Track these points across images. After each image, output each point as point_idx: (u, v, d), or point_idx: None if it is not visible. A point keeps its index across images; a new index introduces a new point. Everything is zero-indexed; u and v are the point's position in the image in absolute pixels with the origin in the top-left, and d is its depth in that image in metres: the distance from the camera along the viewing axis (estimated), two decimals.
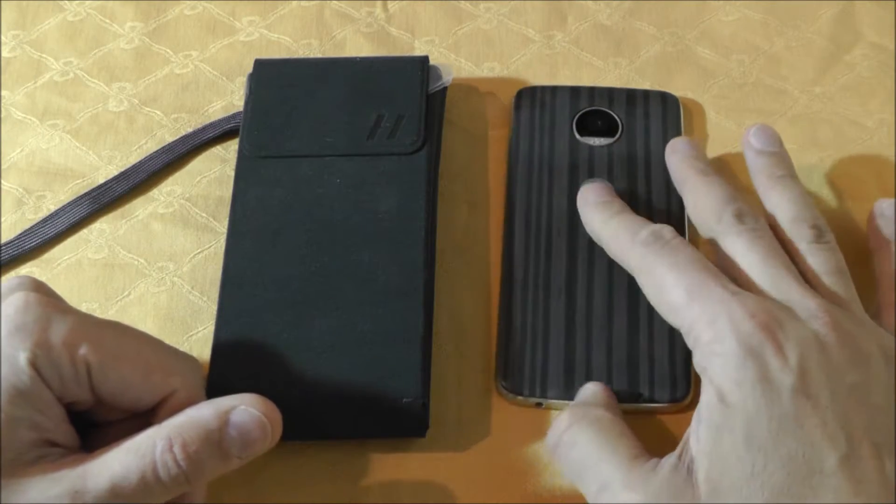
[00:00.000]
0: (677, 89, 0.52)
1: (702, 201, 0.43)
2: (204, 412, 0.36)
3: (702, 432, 0.36)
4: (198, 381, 0.39)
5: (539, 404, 0.42)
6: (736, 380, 0.36)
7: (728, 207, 0.42)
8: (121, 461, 0.35)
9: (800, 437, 0.35)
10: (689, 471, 0.36)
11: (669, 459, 0.37)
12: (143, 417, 0.38)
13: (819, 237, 0.41)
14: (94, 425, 0.38)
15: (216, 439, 0.36)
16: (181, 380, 0.38)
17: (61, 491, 0.34)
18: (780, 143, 0.45)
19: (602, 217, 0.44)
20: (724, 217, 0.41)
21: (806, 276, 0.40)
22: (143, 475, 0.34)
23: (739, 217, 0.41)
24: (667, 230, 0.41)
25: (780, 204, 0.43)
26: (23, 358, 0.35)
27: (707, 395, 0.37)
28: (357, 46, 0.55)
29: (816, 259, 0.41)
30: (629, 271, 0.42)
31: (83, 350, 0.36)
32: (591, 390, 0.41)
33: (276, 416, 0.37)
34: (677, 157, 0.46)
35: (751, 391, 0.36)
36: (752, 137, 0.45)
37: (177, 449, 0.35)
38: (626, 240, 0.42)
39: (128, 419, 0.38)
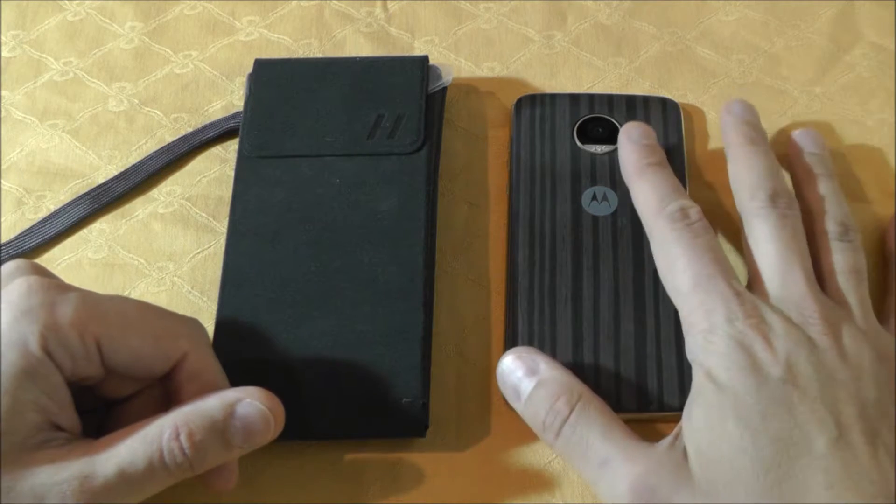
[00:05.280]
0: (677, 89, 0.52)
1: (741, 173, 0.43)
2: (210, 403, 0.37)
3: (693, 411, 0.37)
4: (204, 340, 0.40)
5: None
6: (726, 365, 0.37)
7: (764, 184, 0.42)
8: (128, 447, 0.35)
9: (787, 420, 0.35)
10: (684, 450, 0.37)
11: (665, 440, 0.38)
12: (150, 398, 0.39)
13: (843, 234, 0.41)
14: (105, 406, 0.39)
15: (220, 429, 0.36)
16: (189, 342, 0.38)
17: (70, 475, 0.34)
18: (824, 147, 0.46)
19: (640, 160, 0.44)
20: (757, 195, 0.42)
21: (822, 272, 0.41)
22: (150, 461, 0.35)
23: (773, 198, 0.41)
24: (694, 211, 0.41)
25: (812, 198, 0.43)
26: (34, 341, 0.35)
27: (698, 378, 0.38)
28: (357, 46, 0.55)
29: (836, 256, 0.41)
30: (646, 231, 0.43)
31: (91, 327, 0.36)
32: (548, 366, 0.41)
33: (280, 409, 0.38)
34: (729, 120, 0.46)
35: (739, 374, 0.37)
36: (798, 139, 0.46)
37: (183, 437, 0.35)
38: (653, 203, 0.42)
39: (134, 399, 0.39)
